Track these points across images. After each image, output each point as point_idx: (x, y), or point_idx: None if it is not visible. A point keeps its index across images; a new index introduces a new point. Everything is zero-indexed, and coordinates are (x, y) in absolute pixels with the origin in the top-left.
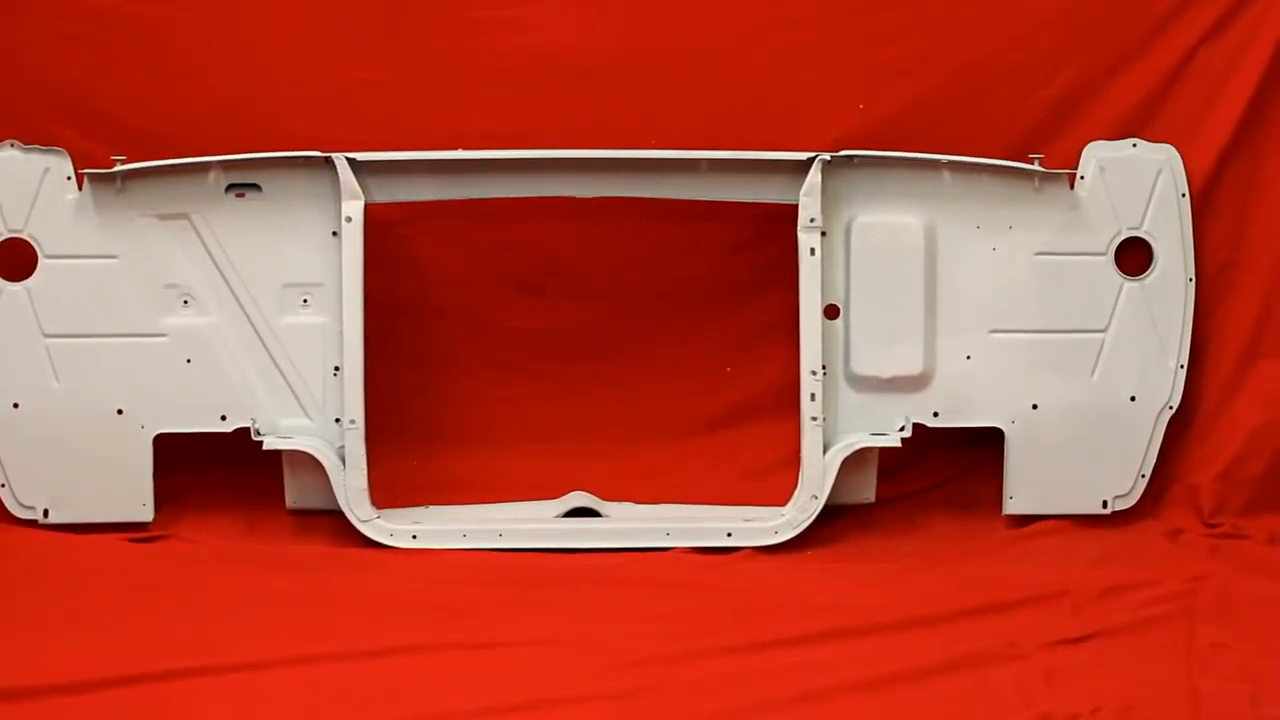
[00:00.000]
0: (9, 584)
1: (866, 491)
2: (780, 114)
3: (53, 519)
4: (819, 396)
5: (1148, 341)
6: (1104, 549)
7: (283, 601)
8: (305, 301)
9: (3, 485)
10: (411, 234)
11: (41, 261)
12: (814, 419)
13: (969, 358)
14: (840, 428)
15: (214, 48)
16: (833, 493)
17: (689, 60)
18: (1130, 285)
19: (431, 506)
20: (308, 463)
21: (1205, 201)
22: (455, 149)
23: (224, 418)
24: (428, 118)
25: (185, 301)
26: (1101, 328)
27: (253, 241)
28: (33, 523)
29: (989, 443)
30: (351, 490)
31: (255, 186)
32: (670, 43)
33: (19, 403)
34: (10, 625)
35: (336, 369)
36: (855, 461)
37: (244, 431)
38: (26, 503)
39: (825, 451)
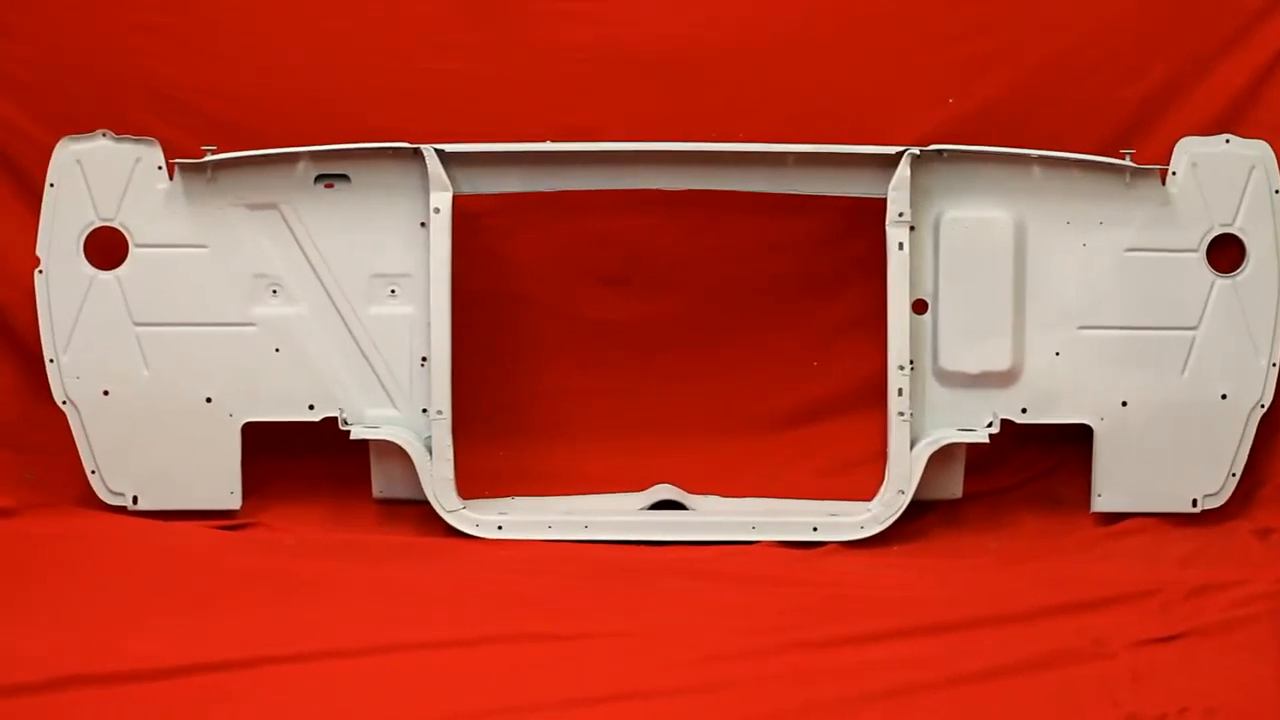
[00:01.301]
0: (98, 570)
1: (953, 487)
2: (867, 107)
3: (142, 506)
4: (906, 392)
5: (1239, 339)
6: (1193, 548)
7: (368, 590)
8: (393, 292)
9: (93, 472)
10: (498, 226)
11: (132, 250)
12: (901, 414)
13: (1058, 354)
14: (927, 423)
15: (300, 39)
16: (920, 488)
17: (776, 53)
18: (1222, 282)
19: (517, 498)
20: (395, 452)
21: None
22: (538, 141)
23: (311, 407)
24: (512, 110)
25: (274, 291)
26: (1192, 325)
27: (341, 232)
28: (122, 509)
29: (1077, 440)
30: (438, 480)
31: (344, 177)
32: (757, 35)
33: (109, 390)
34: (98, 611)
35: (424, 359)
36: (942, 457)
37: (331, 421)
38: (116, 489)
39: (912, 447)
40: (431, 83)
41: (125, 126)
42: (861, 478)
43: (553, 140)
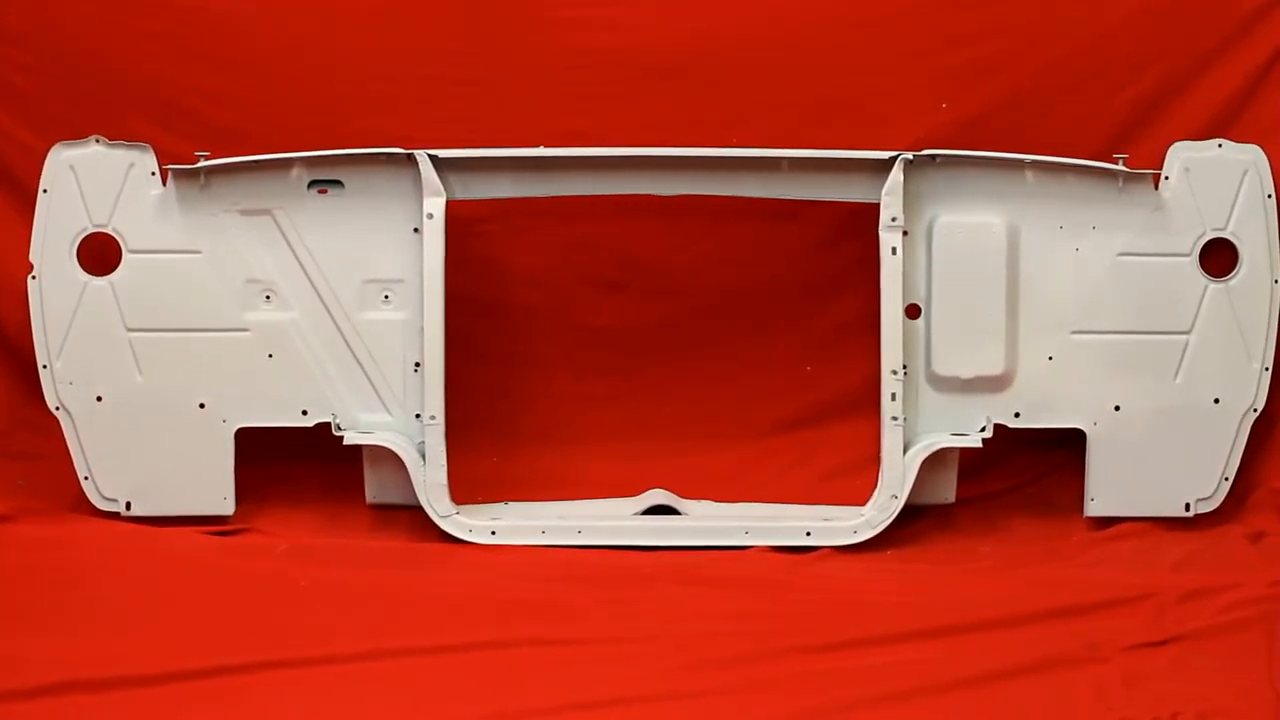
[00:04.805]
0: (91, 576)
1: (946, 492)
2: (862, 113)
3: (135, 512)
4: (899, 396)
5: (1232, 344)
6: (1186, 552)
7: (361, 596)
8: (386, 297)
9: (86, 478)
10: (492, 231)
11: (125, 256)
12: (894, 419)
13: (1051, 358)
14: (920, 428)
15: (297, 45)
16: (912, 493)
17: (770, 59)
18: (1215, 287)
19: (510, 503)
20: (388, 458)
21: None
22: (536, 146)
23: (305, 412)
24: (509, 115)
25: (267, 297)
26: (1185, 329)
27: (335, 237)
28: (115, 515)
29: (1070, 444)
30: (431, 486)
31: (338, 183)
32: (752, 41)
33: (102, 396)
34: (92, 617)
35: (417, 365)
36: (935, 461)
37: (325, 426)
38: (109, 495)
39: (905, 451)
40: (430, 89)
41: (121, 132)
42: (856, 482)
43: (550, 145)
